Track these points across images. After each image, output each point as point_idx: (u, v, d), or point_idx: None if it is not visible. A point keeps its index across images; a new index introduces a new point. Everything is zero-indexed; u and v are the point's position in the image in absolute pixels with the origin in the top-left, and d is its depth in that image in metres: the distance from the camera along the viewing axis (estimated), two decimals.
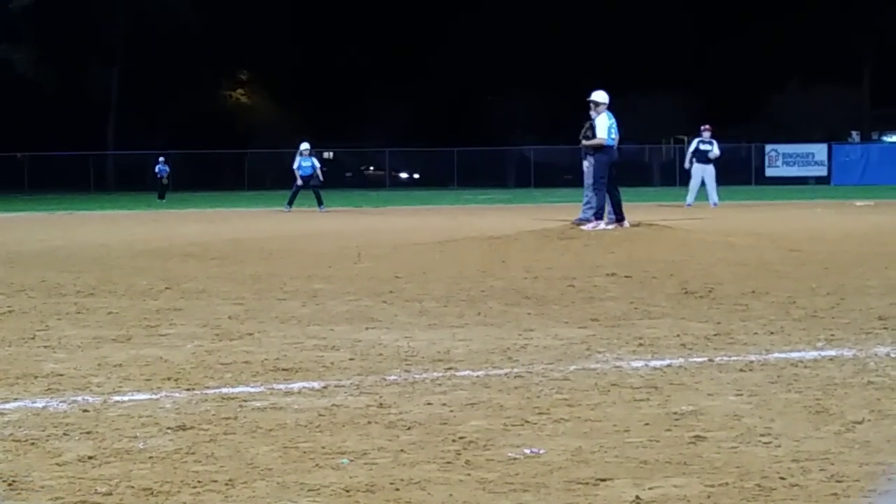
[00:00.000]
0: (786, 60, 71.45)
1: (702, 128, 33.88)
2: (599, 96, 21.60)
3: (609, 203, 21.12)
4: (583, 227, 20.91)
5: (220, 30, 72.02)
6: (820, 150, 66.26)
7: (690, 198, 33.81)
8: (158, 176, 52.01)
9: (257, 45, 74.18)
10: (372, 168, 69.28)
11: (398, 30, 75.87)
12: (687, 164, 34.15)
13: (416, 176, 69.40)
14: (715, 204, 32.98)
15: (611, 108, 21.61)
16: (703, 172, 33.71)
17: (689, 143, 35.44)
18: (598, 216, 21.04)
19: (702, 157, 33.66)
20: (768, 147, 67.09)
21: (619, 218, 21.01)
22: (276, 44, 74.85)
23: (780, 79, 71.93)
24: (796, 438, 5.40)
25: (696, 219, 25.84)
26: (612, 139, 21.27)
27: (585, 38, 71.85)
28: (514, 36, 73.60)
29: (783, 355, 7.65)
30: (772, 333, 8.58)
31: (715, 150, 33.69)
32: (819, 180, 63.69)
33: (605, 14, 72.54)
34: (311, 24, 75.83)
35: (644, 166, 68.34)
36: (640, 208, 29.67)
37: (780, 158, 66.89)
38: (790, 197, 43.35)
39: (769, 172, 66.12)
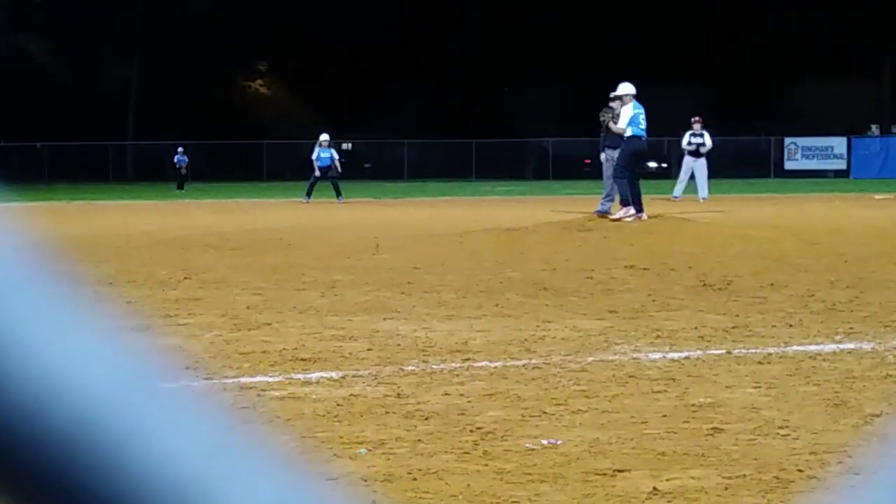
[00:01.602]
0: (805, 53, 71.21)
1: (692, 119, 33.60)
2: (620, 89, 21.59)
3: (629, 193, 21.09)
4: (611, 217, 20.96)
5: (240, 21, 72.09)
6: (839, 144, 66.02)
7: (678, 190, 33.41)
8: (177, 166, 52.09)
9: (276, 36, 74.23)
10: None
11: (418, 21, 75.80)
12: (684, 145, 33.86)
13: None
14: (704, 198, 32.30)
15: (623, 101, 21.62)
16: (693, 165, 33.44)
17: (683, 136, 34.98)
18: (626, 203, 21.00)
19: (692, 149, 33.45)
20: (787, 140, 66.86)
21: (638, 210, 20.98)
22: (295, 35, 74.91)
23: (800, 72, 71.70)
24: (814, 431, 5.40)
25: (714, 212, 25.79)
26: (641, 129, 21.21)
27: (604, 30, 71.73)
28: (533, 27, 73.52)
29: (801, 348, 7.64)
30: (790, 326, 8.57)
31: (707, 143, 33.48)
32: (838, 174, 63.43)
33: (624, 6, 72.39)
34: (330, 15, 75.84)
35: (663, 159, 68.24)
36: (660, 201, 29.62)
37: (800, 151, 66.67)
38: (809, 190, 43.23)
39: (788, 165, 65.90)
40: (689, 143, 33.52)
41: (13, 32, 66.16)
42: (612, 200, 22.72)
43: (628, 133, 21.18)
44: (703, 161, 33.30)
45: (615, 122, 21.42)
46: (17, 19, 66.10)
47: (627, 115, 21.12)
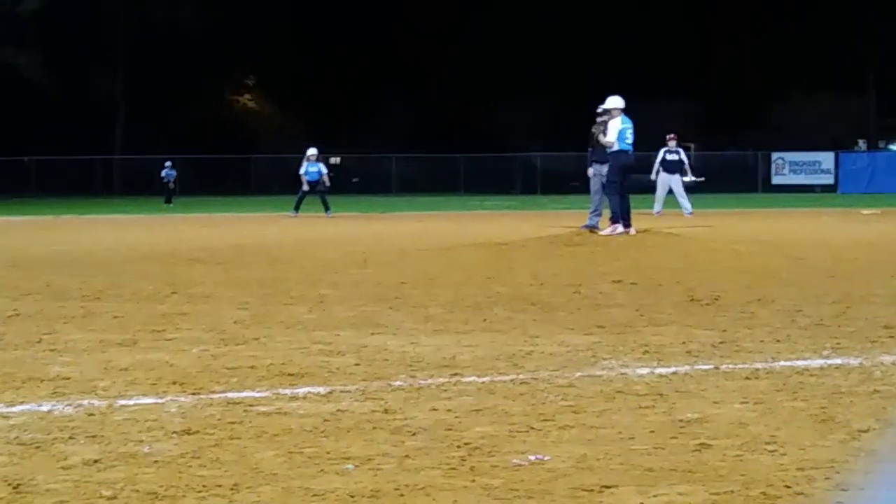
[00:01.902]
0: (791, 68, 71.45)
1: (667, 137, 33.54)
2: (609, 102, 21.57)
3: (619, 207, 21.07)
4: (600, 232, 20.93)
5: (228, 35, 72.13)
6: (827, 159, 66.17)
7: (658, 206, 33.39)
8: (165, 180, 52.02)
9: (263, 50, 74.29)
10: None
11: (405, 35, 75.92)
12: (653, 176, 33.47)
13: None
14: (690, 213, 32.25)
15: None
16: (669, 182, 33.36)
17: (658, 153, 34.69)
18: (616, 220, 20.99)
19: (668, 166, 33.32)
20: (775, 155, 67.00)
21: (626, 224, 20.98)
22: (283, 49, 74.96)
23: (786, 87, 71.94)
24: (802, 447, 5.40)
25: (702, 226, 25.83)
26: (628, 144, 21.15)
27: (591, 45, 71.90)
28: (521, 42, 73.67)
29: (789, 363, 7.64)
30: (778, 341, 8.58)
31: (685, 160, 33.50)
32: (826, 188, 63.60)
33: (610, 21, 72.59)
34: (318, 30, 75.93)
35: (650, 173, 68.25)
36: (647, 216, 29.66)
37: (787, 166, 66.80)
38: (797, 205, 43.33)
39: (776, 180, 66.03)
40: (665, 160, 33.37)
41: (1, 46, 66.10)
42: (599, 215, 22.75)
43: (615, 147, 21.16)
44: (678, 177, 33.29)
45: (604, 135, 21.41)
46: (4, 33, 66.03)
47: (615, 129, 21.09)
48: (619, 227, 20.70)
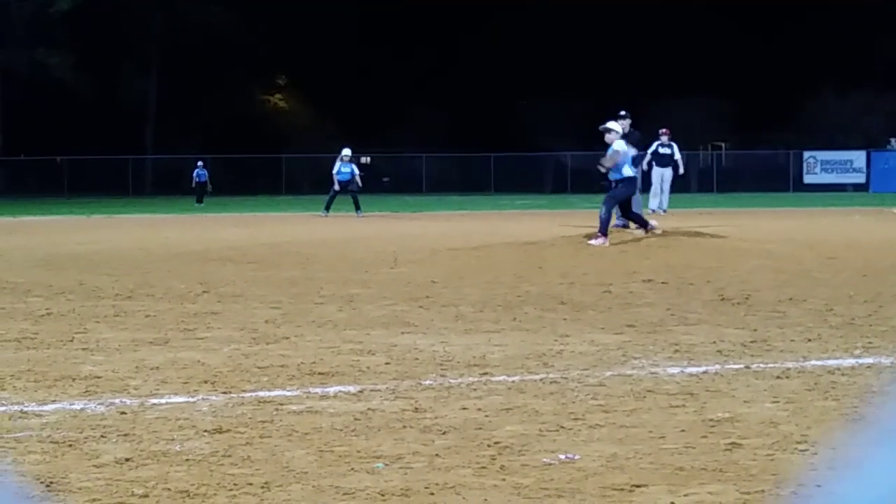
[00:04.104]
0: (823, 67, 71.08)
1: (660, 131, 33.46)
2: (607, 125, 20.60)
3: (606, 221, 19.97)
4: (590, 242, 19.70)
5: (259, 35, 72.27)
6: (858, 157, 65.86)
7: (654, 203, 33.16)
8: (198, 181, 52.11)
9: (295, 50, 74.39)
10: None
11: (435, 34, 75.93)
12: (644, 166, 33.23)
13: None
14: (664, 210, 32.08)
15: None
16: (661, 176, 33.34)
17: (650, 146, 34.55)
18: (604, 232, 19.98)
19: (660, 160, 33.28)
20: (806, 154, 66.72)
21: (645, 227, 20.23)
22: (314, 49, 75.05)
23: (818, 85, 71.55)
24: (833, 446, 5.38)
25: (732, 226, 25.74)
26: (635, 169, 20.52)
27: (622, 44, 71.72)
28: (551, 40, 73.54)
29: (820, 363, 7.62)
30: (809, 341, 8.55)
31: (676, 155, 33.45)
32: (857, 187, 63.29)
33: (641, 19, 72.36)
34: (349, 29, 76.01)
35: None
36: (677, 215, 29.58)
37: (819, 165, 66.51)
38: (828, 204, 43.12)
39: (807, 179, 65.75)
40: (657, 154, 33.28)
41: (33, 47, 66.43)
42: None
43: (628, 173, 20.34)
44: (669, 172, 33.31)
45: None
46: (36, 34, 66.35)
47: (614, 159, 20.15)
48: (606, 241, 19.58)
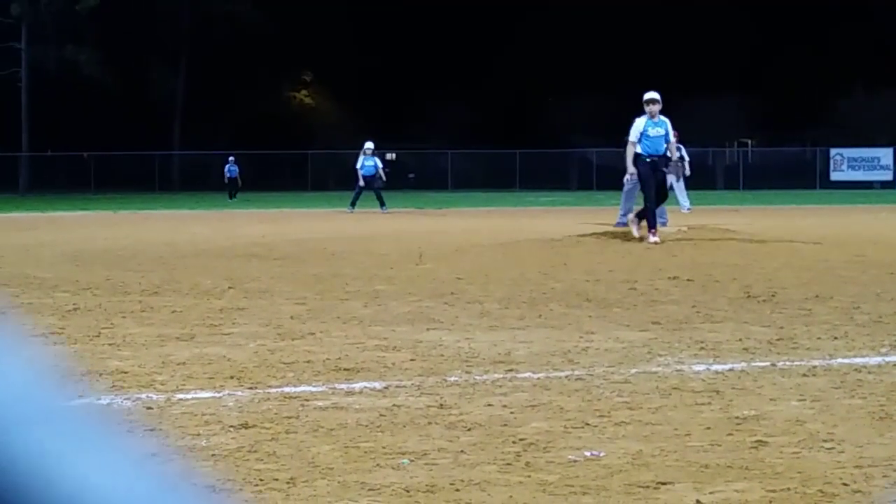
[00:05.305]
0: (851, 64, 70.82)
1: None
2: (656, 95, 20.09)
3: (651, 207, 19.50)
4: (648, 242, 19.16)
5: (285, 31, 72.39)
6: (886, 155, 65.62)
7: (684, 202, 32.84)
8: (229, 176, 52.18)
9: (321, 46, 74.47)
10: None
11: (462, 31, 75.89)
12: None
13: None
14: (688, 209, 31.57)
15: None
16: (671, 176, 33.15)
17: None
18: (642, 216, 19.49)
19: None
20: (833, 151, 66.52)
21: (651, 226, 19.80)
22: (340, 45, 75.12)
23: (846, 83, 71.30)
24: (859, 444, 5.36)
25: (758, 223, 25.66)
26: (647, 146, 19.40)
27: (648, 40, 71.56)
28: (577, 37, 73.41)
29: (847, 360, 7.59)
30: (835, 338, 8.52)
31: (685, 156, 33.23)
32: (884, 185, 63.06)
33: (668, 16, 72.20)
34: (375, 26, 76.05)
35: (707, 169, 67.98)
36: (703, 212, 29.51)
37: (846, 162, 66.30)
38: (855, 201, 42.96)
39: (834, 176, 65.56)
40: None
41: (61, 43, 66.71)
42: (625, 215, 22.19)
43: (636, 149, 19.69)
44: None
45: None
46: (65, 30, 66.63)
47: (636, 130, 19.55)
48: (636, 229, 19.06)
